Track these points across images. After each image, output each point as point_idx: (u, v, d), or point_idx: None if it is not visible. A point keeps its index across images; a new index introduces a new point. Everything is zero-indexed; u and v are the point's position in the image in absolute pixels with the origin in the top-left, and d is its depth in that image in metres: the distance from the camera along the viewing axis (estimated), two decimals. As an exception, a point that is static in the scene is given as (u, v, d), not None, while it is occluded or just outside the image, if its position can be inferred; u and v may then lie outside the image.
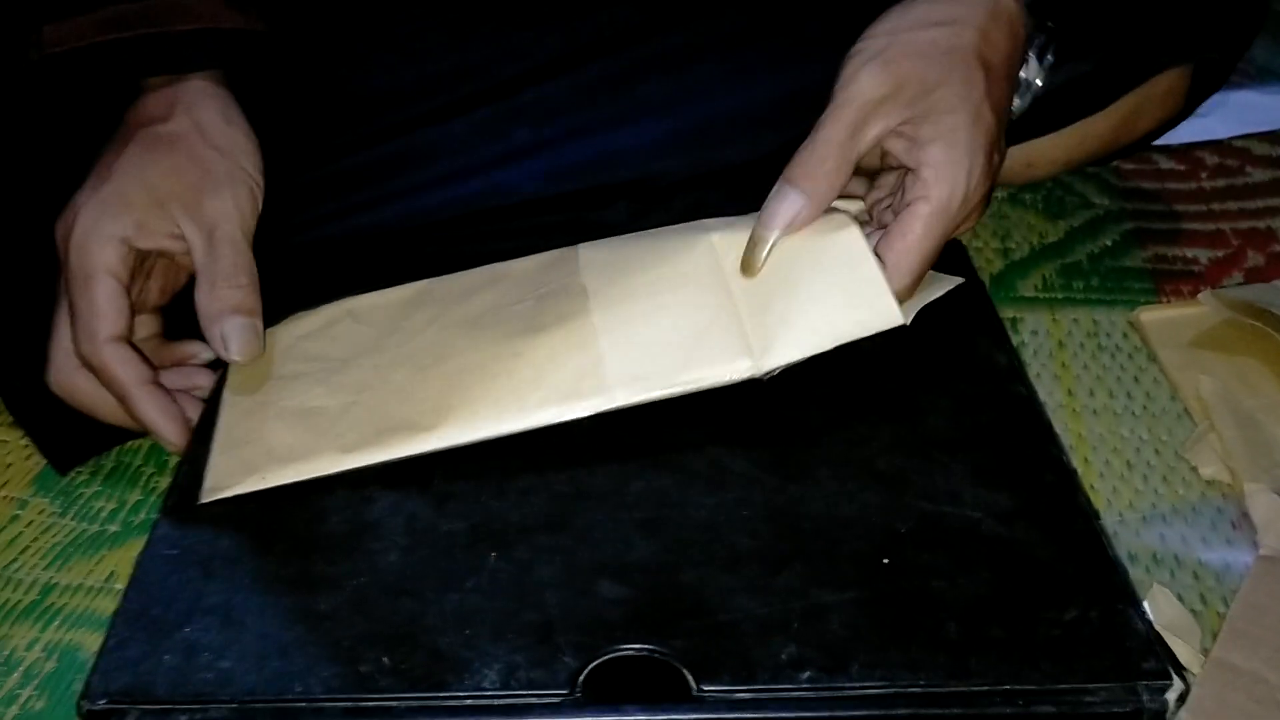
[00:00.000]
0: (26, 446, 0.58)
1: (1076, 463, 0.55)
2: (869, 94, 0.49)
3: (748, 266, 0.50)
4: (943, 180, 0.49)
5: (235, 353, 0.50)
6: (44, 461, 0.57)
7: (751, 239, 0.50)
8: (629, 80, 0.60)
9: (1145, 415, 0.58)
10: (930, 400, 0.52)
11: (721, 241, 0.52)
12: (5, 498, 0.55)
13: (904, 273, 0.49)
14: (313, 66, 0.59)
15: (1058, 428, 0.56)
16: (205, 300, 0.50)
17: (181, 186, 0.50)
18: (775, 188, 0.50)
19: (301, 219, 0.59)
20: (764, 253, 0.50)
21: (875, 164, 0.53)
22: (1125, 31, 0.55)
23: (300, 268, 0.59)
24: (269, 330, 0.53)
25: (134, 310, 0.51)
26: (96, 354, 0.49)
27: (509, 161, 0.59)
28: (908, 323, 0.50)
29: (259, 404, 0.50)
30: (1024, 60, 0.53)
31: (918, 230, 0.49)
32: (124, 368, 0.50)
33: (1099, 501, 0.53)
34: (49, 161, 0.56)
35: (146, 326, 0.54)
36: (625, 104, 0.60)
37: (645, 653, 0.40)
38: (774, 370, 0.49)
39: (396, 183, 0.59)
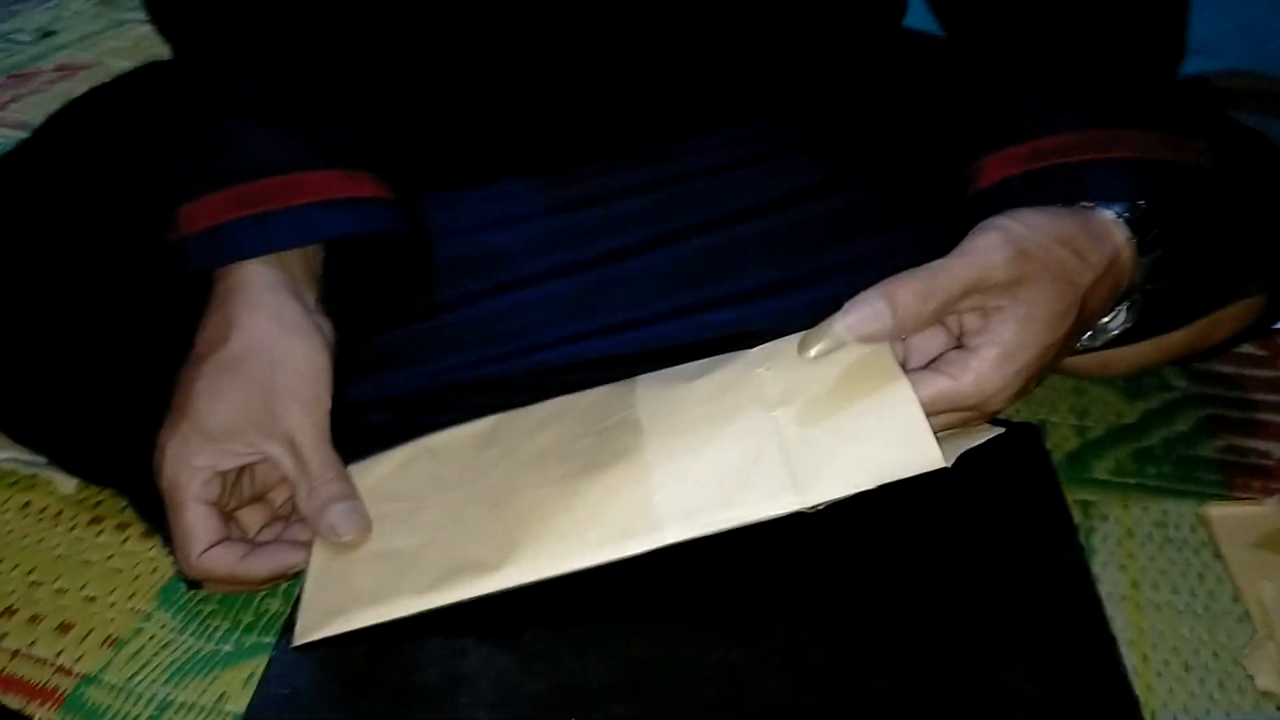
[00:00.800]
0: (153, 559, 0.63)
1: (1134, 659, 0.57)
2: (998, 275, 0.50)
3: (804, 346, 0.51)
4: (979, 382, 0.50)
5: (345, 535, 0.54)
6: (168, 575, 0.62)
7: (821, 327, 0.51)
8: (739, 260, 0.64)
9: (1206, 615, 0.60)
10: (995, 594, 0.54)
11: (768, 374, 0.54)
12: (132, 610, 0.60)
13: (980, 374, 0.51)
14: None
15: (1120, 620, 0.58)
16: (305, 503, 0.54)
17: (254, 412, 0.54)
18: (869, 294, 0.50)
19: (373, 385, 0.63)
20: (827, 347, 0.51)
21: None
22: (1208, 260, 0.58)
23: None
24: (351, 467, 0.57)
25: (234, 510, 0.57)
26: (196, 568, 0.55)
27: (596, 335, 0.63)
28: (949, 465, 0.51)
29: (345, 547, 0.55)
30: (1113, 310, 0.56)
31: (927, 396, 0.50)
32: (221, 565, 0.55)
33: (1154, 701, 0.55)
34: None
35: (254, 514, 0.59)
36: (731, 285, 0.63)
37: (707, 833, 0.43)
38: (819, 505, 0.51)
39: (481, 351, 0.64)
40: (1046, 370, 0.53)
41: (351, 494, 0.55)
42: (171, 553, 0.61)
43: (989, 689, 0.49)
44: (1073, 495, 0.67)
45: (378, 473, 0.59)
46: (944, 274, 0.50)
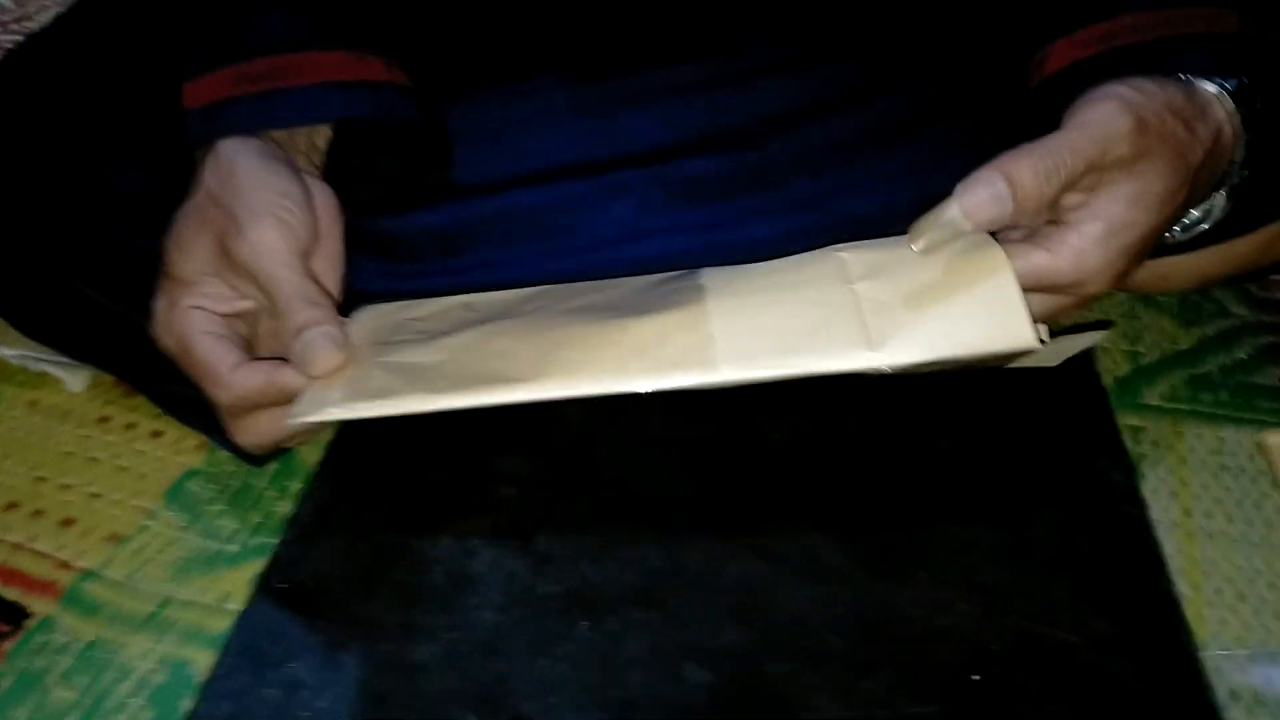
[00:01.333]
0: (160, 459, 0.61)
1: (1185, 588, 0.54)
2: (1120, 150, 0.46)
3: (917, 234, 0.47)
4: (1080, 259, 0.47)
5: (317, 366, 0.50)
6: (176, 475, 0.60)
7: (932, 214, 0.47)
8: (775, 172, 0.61)
9: (1263, 545, 0.56)
10: (1038, 512, 0.51)
11: (850, 257, 0.50)
12: (137, 508, 0.59)
13: (1083, 254, 0.47)
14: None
15: (1170, 548, 0.55)
16: (279, 335, 0.51)
17: (216, 251, 0.51)
18: (981, 174, 0.46)
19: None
20: (940, 236, 0.47)
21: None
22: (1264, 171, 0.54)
23: None
24: (381, 307, 0.54)
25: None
26: (230, 390, 0.51)
27: (625, 241, 0.60)
28: (1042, 347, 0.46)
29: (362, 357, 0.51)
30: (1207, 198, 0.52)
31: (1020, 270, 0.46)
32: (256, 378, 0.51)
33: (1205, 632, 0.52)
34: None
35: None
36: (767, 196, 0.60)
37: (723, 744, 0.41)
38: (896, 367, 0.46)
39: (472, 250, 0.60)
40: (1144, 257, 0.49)
41: (323, 319, 0.50)
42: (210, 435, 0.59)
43: (1029, 609, 0.46)
44: (1123, 421, 0.63)
45: (407, 314, 0.55)
46: (1065, 149, 0.45)
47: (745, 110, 0.63)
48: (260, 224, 0.50)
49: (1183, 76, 0.50)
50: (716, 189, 0.60)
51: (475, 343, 0.51)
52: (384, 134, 0.59)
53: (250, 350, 0.52)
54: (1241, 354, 0.69)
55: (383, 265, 0.59)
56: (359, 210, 0.58)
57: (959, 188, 0.46)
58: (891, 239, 0.51)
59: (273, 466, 0.61)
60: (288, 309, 0.50)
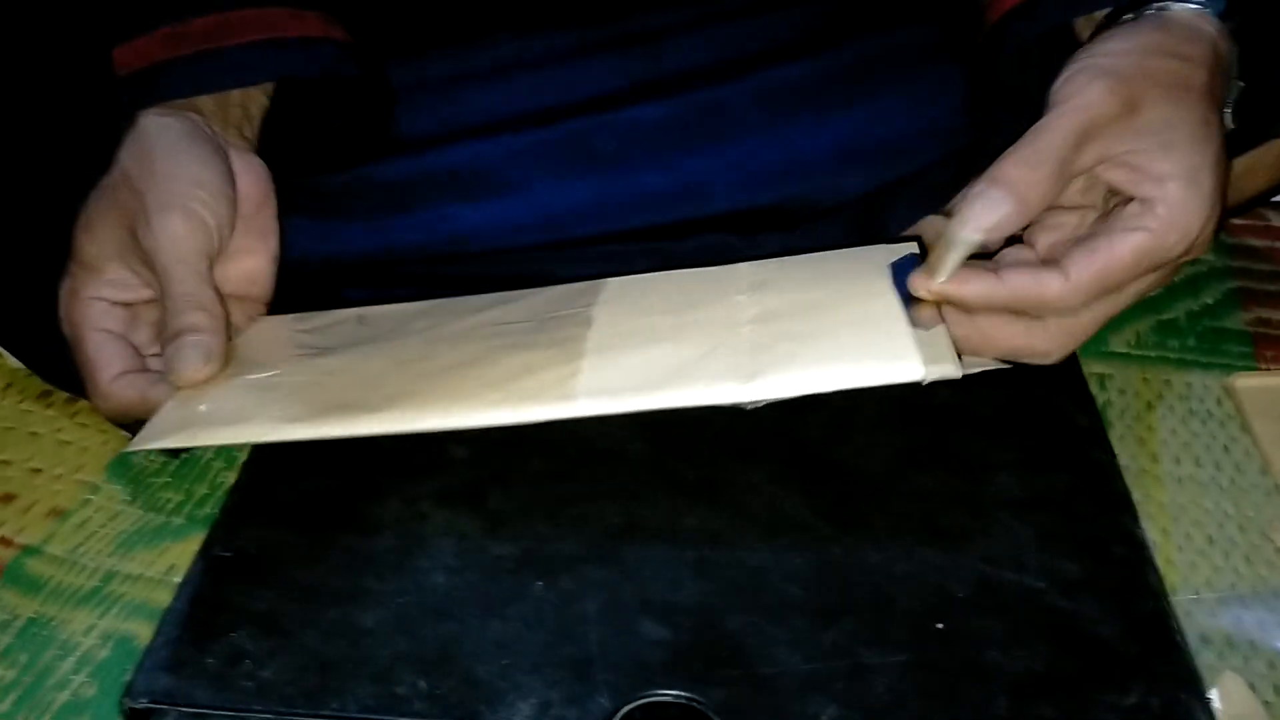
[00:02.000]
0: (104, 432, 0.60)
1: (1154, 533, 0.53)
2: (1101, 109, 0.44)
3: (934, 269, 0.45)
4: (1176, 222, 0.44)
5: (183, 376, 0.49)
6: (119, 448, 0.58)
7: (944, 238, 0.45)
8: (728, 116, 0.59)
9: (1232, 488, 0.55)
10: (1003, 457, 0.50)
11: (748, 278, 0.51)
12: (80, 481, 0.57)
13: (1087, 290, 0.45)
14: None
15: (1138, 494, 0.54)
16: (163, 332, 0.49)
17: (122, 236, 0.49)
18: (975, 187, 0.45)
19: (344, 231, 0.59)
20: (956, 256, 0.45)
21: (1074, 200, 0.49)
22: (1247, 90, 0.53)
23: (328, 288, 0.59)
24: (277, 319, 0.53)
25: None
26: (107, 397, 0.50)
27: (578, 191, 0.59)
28: (924, 379, 0.45)
29: (227, 375, 0.50)
30: None
31: (1127, 257, 0.44)
32: (132, 391, 0.50)
33: (1175, 577, 0.51)
34: None
35: None
36: (702, 139, 0.59)
37: (682, 700, 0.40)
38: (760, 402, 0.45)
39: (427, 203, 0.59)
40: (1224, 193, 0.46)
41: (203, 327, 0.49)
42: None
43: (994, 555, 0.45)
44: (1090, 368, 0.62)
45: (298, 326, 0.54)
46: (1045, 132, 0.44)
47: (698, 56, 0.62)
48: (168, 216, 0.48)
49: (1154, 9, 0.48)
50: (670, 135, 0.59)
51: (344, 367, 0.51)
52: (324, 92, 0.57)
53: (149, 346, 0.52)
54: (1208, 299, 0.69)
55: (324, 227, 0.57)
56: (300, 171, 0.57)
57: (956, 208, 0.45)
58: (794, 260, 0.51)
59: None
60: (172, 309, 0.49)
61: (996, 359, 0.50)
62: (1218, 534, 0.53)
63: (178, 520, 0.54)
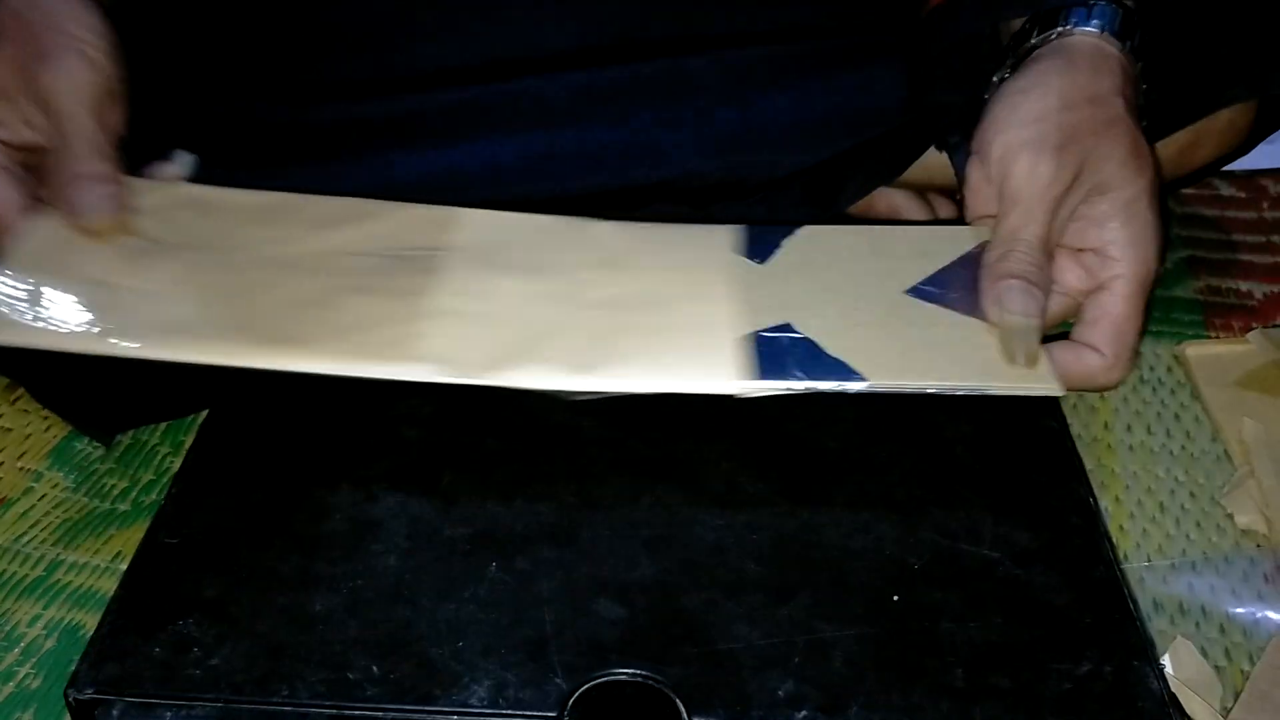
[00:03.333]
0: (46, 419, 0.58)
1: (1107, 501, 0.53)
2: (1056, 189, 0.46)
3: (1031, 361, 0.46)
4: (1133, 256, 0.47)
5: (93, 216, 0.47)
6: (62, 434, 0.57)
7: (1007, 341, 0.46)
8: (669, 76, 0.58)
9: (1183, 455, 0.56)
10: (956, 430, 0.50)
11: (604, 241, 0.50)
12: (22, 469, 0.56)
13: (1124, 353, 0.47)
14: None
15: (1090, 463, 0.55)
16: (53, 173, 0.47)
17: (14, 74, 0.47)
18: (996, 289, 0.46)
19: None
20: (1029, 341, 0.46)
21: None
22: (1186, 64, 0.53)
23: None
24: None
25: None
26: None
27: (524, 136, 0.57)
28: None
29: (65, 253, 0.47)
30: None
31: (1122, 309, 0.47)
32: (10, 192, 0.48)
33: (1127, 544, 0.51)
34: None
35: None
36: (661, 100, 0.58)
37: (639, 678, 0.39)
38: (596, 394, 0.46)
39: (369, 150, 0.57)
40: (1161, 215, 0.49)
41: (109, 176, 0.47)
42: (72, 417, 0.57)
43: (949, 527, 0.45)
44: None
45: (133, 200, 0.50)
46: (1025, 230, 0.46)
47: (663, 29, 0.61)
48: (66, 57, 0.47)
49: (1064, 30, 0.49)
50: (627, 93, 0.58)
51: (184, 275, 0.48)
52: None
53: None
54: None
55: (261, 174, 0.54)
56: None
57: (991, 307, 0.46)
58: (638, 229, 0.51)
59: (163, 424, 0.58)
60: (75, 153, 0.47)
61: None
62: (1169, 501, 0.54)
63: (123, 507, 0.53)
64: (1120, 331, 0.47)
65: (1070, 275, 0.48)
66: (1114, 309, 0.47)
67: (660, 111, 0.57)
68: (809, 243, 0.51)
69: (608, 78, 0.58)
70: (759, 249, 0.51)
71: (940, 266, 0.49)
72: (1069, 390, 0.47)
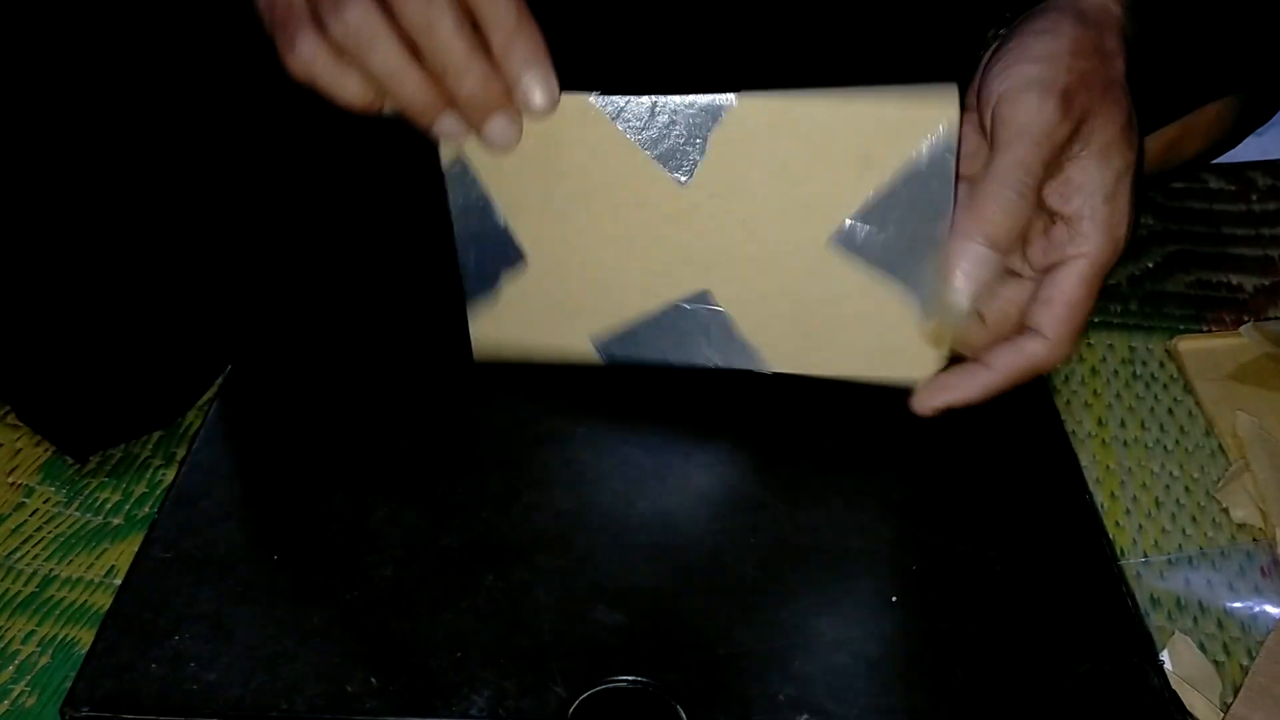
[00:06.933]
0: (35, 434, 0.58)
1: (1102, 497, 0.53)
2: (1058, 135, 0.43)
3: (937, 340, 0.46)
4: (1104, 236, 0.44)
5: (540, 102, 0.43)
6: (53, 449, 0.57)
7: (940, 305, 0.44)
8: None
9: (1178, 450, 0.56)
10: (951, 429, 0.50)
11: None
12: (13, 484, 0.55)
13: (1068, 337, 0.45)
14: None
15: (1085, 459, 0.55)
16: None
17: None
18: (955, 246, 0.43)
19: None
20: (957, 318, 0.44)
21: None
22: (1172, 59, 0.52)
23: None
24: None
25: None
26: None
27: None
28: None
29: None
30: None
31: (1079, 292, 0.44)
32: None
33: (1124, 540, 0.51)
34: None
35: None
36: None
37: (639, 685, 0.39)
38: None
39: None
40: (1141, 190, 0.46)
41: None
42: (49, 433, 0.56)
43: (945, 527, 0.45)
44: (1034, 335, 0.63)
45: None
46: (1014, 171, 0.43)
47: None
48: None
49: None
50: None
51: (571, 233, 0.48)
52: None
53: None
54: (1149, 263, 0.69)
55: None
56: None
57: (946, 269, 0.44)
58: None
59: (156, 434, 0.57)
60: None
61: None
62: (1164, 496, 0.54)
63: (116, 521, 0.53)
64: (1071, 315, 0.45)
65: (1034, 248, 0.46)
66: (1070, 291, 0.44)
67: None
68: (738, 140, 0.45)
69: None
70: (679, 158, 0.46)
71: (880, 184, 0.44)
72: (1010, 385, 0.45)
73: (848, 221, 0.45)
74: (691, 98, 0.44)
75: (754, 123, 0.44)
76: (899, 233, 0.44)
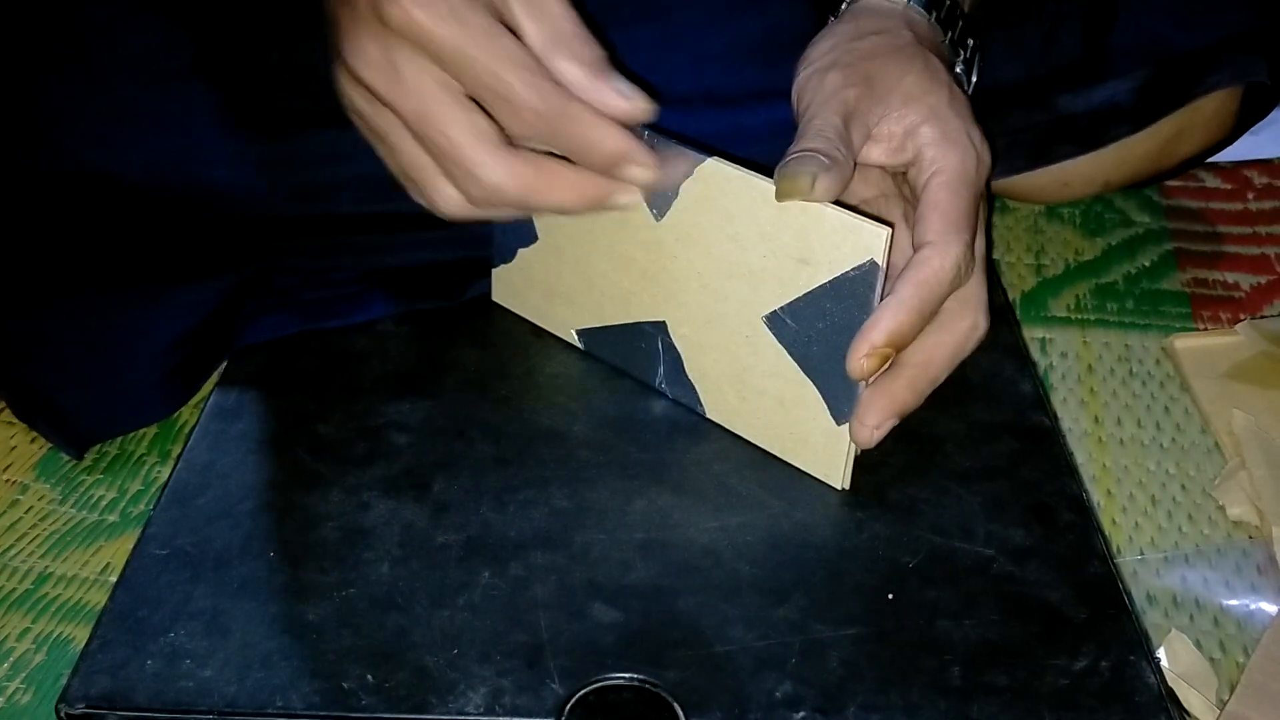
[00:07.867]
0: (31, 430, 0.58)
1: (1099, 495, 0.53)
2: (844, 94, 0.45)
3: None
4: (949, 153, 0.45)
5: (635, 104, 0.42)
6: (47, 446, 0.56)
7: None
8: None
9: (1174, 448, 0.56)
10: (947, 427, 0.50)
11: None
12: (8, 481, 0.55)
13: (952, 233, 0.44)
14: None
15: (1081, 457, 0.55)
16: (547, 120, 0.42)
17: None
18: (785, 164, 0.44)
19: None
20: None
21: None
22: (1168, 51, 0.53)
23: None
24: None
25: None
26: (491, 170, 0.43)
27: None
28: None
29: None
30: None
31: (944, 195, 0.45)
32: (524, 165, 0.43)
33: (1120, 538, 0.51)
34: None
35: None
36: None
37: (635, 682, 0.39)
38: None
39: None
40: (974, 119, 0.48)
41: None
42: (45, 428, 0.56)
43: (943, 525, 0.45)
44: (1030, 333, 0.63)
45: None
46: (814, 120, 0.45)
47: None
48: None
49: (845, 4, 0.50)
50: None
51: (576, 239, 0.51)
52: None
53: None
54: (1145, 261, 0.69)
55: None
56: None
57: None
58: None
59: (151, 431, 0.57)
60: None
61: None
62: (1161, 494, 0.54)
63: (111, 518, 0.53)
64: (944, 213, 0.44)
65: (896, 211, 0.47)
66: (936, 196, 0.45)
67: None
68: (704, 197, 0.46)
69: None
70: (659, 196, 0.47)
71: (812, 288, 0.44)
72: (952, 370, 0.46)
73: (779, 308, 0.46)
74: (680, 146, 0.46)
75: (719, 187, 0.45)
76: (821, 339, 0.45)
